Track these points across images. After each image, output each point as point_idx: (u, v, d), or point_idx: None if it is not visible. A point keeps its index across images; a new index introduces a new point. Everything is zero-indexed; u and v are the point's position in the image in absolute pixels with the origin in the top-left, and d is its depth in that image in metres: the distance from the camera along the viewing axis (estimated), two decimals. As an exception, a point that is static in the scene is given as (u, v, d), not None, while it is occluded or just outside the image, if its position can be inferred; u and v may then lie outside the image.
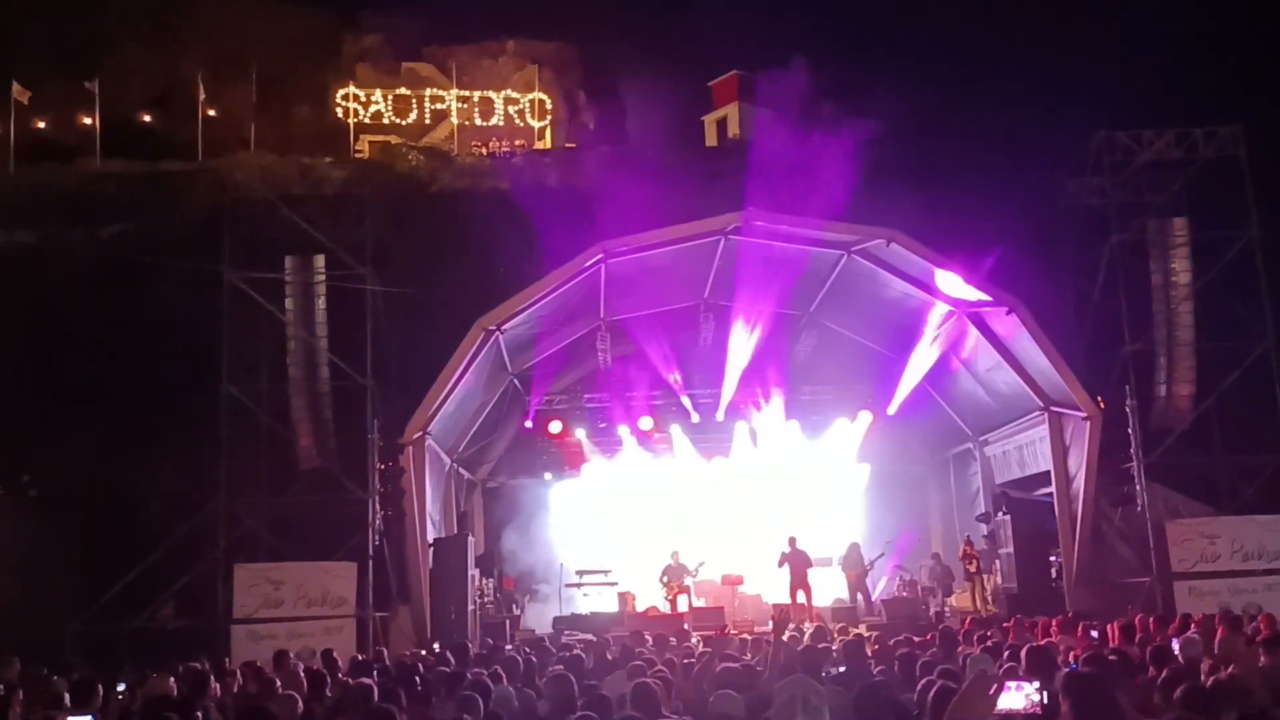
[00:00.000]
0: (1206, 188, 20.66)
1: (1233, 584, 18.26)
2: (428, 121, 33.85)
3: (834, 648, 10.26)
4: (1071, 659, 8.80)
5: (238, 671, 10.74)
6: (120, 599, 18.35)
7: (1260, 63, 27.62)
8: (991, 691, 3.32)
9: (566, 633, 17.98)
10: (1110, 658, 8.53)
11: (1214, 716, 5.24)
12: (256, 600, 18.26)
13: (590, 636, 15.35)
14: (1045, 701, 3.68)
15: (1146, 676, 7.87)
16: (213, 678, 9.59)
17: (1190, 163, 20.63)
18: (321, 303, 20.12)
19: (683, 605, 20.78)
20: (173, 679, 8.92)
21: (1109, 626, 11.79)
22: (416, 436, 18.60)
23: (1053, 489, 19.86)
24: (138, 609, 18.41)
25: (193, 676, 9.22)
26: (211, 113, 31.13)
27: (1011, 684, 3.50)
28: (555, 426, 23.58)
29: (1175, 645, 9.18)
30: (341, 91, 33.16)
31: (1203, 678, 7.17)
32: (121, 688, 9.72)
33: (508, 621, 20.10)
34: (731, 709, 6.15)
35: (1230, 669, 7.21)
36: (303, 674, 10.03)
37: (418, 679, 8.83)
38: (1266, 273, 20.20)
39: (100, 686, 8.21)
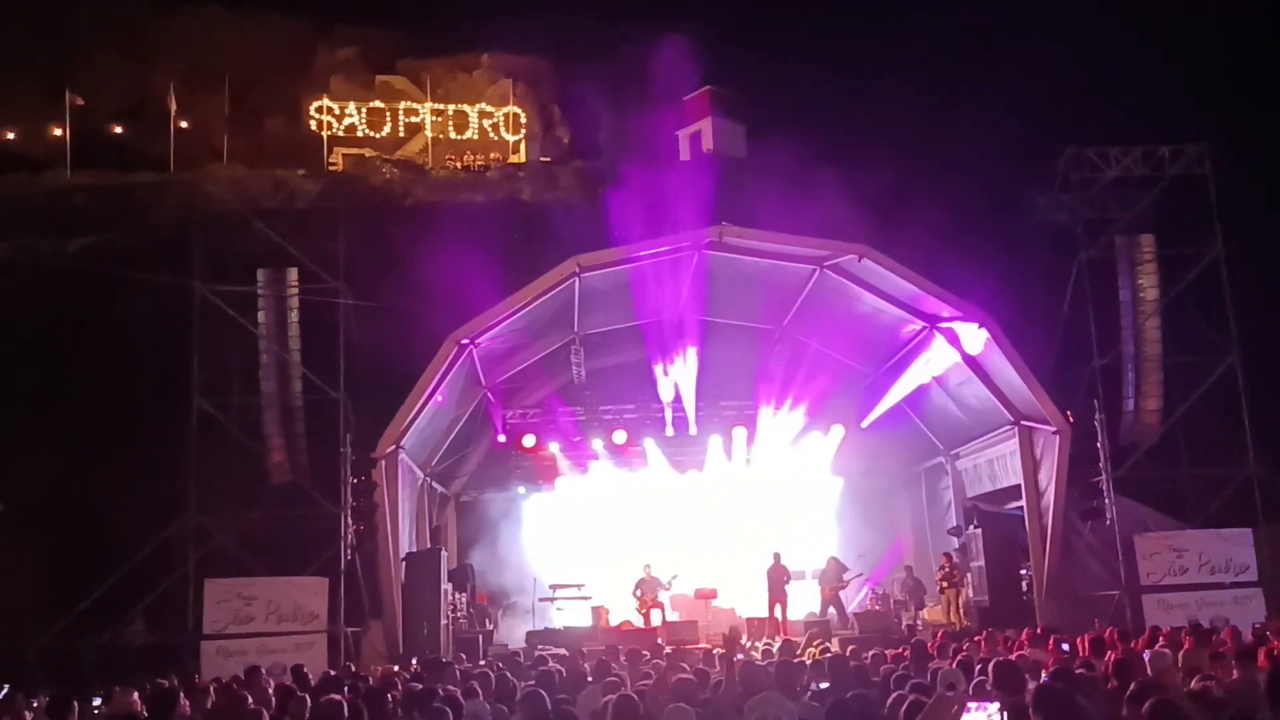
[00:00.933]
0: (1173, 205, 20.96)
1: (1200, 597, 18.49)
2: (402, 135, 33.82)
3: (807, 662, 10.29)
4: (1042, 673, 8.86)
5: (209, 689, 10.65)
6: (88, 614, 18.21)
7: (1226, 82, 28.05)
8: (954, 711, 3.37)
9: (540, 647, 17.93)
10: (1079, 671, 8.59)
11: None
12: (227, 616, 18.13)
13: (563, 651, 15.32)
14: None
15: (1113, 689, 7.95)
16: (182, 695, 9.51)
17: (1157, 180, 20.91)
18: (294, 316, 20.08)
19: (656, 619, 20.76)
20: (137, 695, 8.83)
21: (1079, 639, 11.90)
22: (389, 450, 18.53)
23: (1023, 502, 20.00)
24: (106, 624, 18.24)
25: (161, 693, 9.14)
26: (183, 124, 30.99)
27: (973, 704, 3.54)
28: (529, 440, 23.49)
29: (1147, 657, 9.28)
30: (315, 104, 33.09)
31: (1172, 690, 7.25)
32: (98, 702, 9.63)
33: (480, 636, 20.00)
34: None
35: (1196, 681, 7.28)
36: (273, 691, 9.99)
37: (389, 695, 8.79)
38: (1231, 289, 20.50)
39: (76, 703, 8.12)
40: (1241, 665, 8.70)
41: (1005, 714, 3.72)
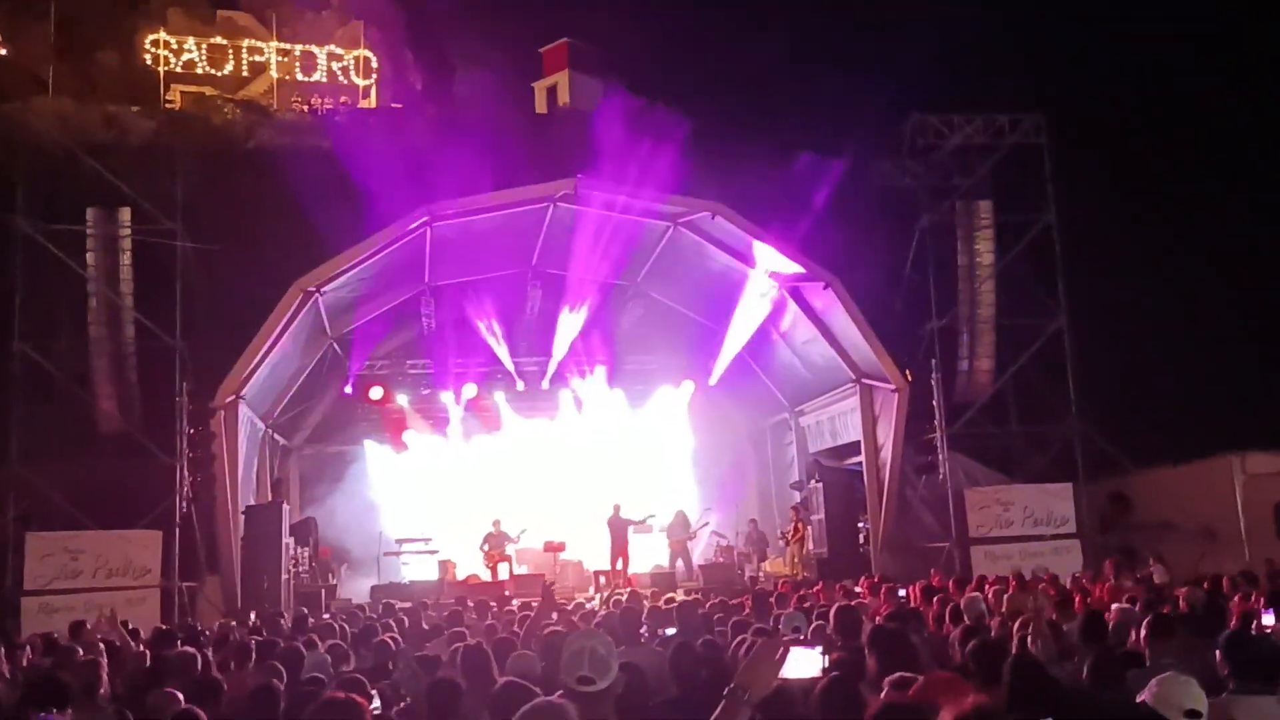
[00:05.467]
0: (1010, 173, 21.76)
1: (1024, 548, 19.49)
2: (245, 74, 32.34)
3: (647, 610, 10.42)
4: (877, 619, 9.20)
5: (27, 644, 10.15)
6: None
7: (1062, 55, 29.25)
8: (778, 656, 3.46)
9: (385, 602, 17.71)
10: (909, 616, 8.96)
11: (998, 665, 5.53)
12: (51, 571, 17.33)
13: (409, 605, 15.18)
14: (826, 666, 3.88)
15: (942, 632, 8.35)
16: (1, 651, 9.05)
17: (996, 148, 21.66)
18: (126, 259, 19.13)
19: (504, 573, 20.76)
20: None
21: (911, 588, 12.42)
22: (229, 400, 17.92)
23: (862, 458, 20.69)
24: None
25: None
26: (3, 53, 28.98)
27: (796, 649, 3.65)
28: (376, 392, 23.07)
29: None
30: (151, 37, 31.31)
31: (993, 633, 7.64)
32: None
33: (323, 591, 19.67)
34: (529, 667, 6.28)
35: (1017, 623, 7.69)
36: (103, 645, 9.59)
37: (224, 647, 8.56)
38: (1062, 255, 21.46)
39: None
40: (1060, 611, 9.23)
41: (827, 657, 3.86)
